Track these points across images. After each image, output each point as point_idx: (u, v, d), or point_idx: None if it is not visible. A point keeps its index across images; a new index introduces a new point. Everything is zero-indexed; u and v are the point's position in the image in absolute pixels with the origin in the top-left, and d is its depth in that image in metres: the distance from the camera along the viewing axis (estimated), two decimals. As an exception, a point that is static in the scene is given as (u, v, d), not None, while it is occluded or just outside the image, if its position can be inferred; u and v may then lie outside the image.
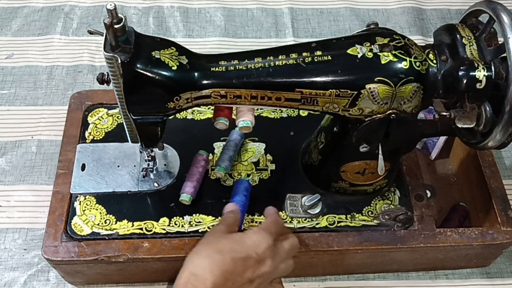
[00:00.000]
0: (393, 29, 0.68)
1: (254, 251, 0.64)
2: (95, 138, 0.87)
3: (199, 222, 0.79)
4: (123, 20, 0.59)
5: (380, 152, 0.71)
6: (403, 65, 0.63)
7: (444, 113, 0.66)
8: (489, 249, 0.82)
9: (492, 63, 0.63)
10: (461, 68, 0.63)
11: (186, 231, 0.79)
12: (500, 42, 0.64)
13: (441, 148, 0.93)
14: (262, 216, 0.80)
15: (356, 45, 0.64)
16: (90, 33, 0.65)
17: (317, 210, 0.80)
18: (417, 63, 0.63)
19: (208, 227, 0.79)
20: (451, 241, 0.79)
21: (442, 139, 0.92)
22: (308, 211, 0.80)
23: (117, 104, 0.68)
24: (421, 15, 1.23)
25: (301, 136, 0.87)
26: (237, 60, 0.66)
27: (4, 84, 1.07)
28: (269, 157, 0.86)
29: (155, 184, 0.82)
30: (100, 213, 0.80)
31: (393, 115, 0.66)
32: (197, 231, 0.79)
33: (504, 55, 0.62)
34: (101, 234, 0.78)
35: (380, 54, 0.63)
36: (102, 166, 0.84)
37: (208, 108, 0.91)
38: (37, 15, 1.18)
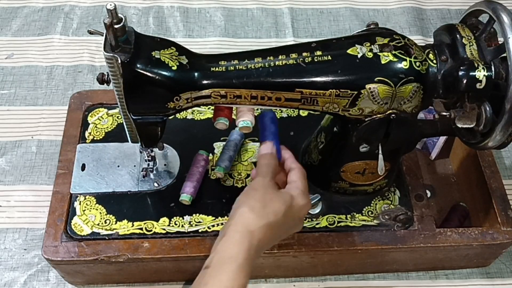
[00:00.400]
0: (393, 29, 0.68)
1: (300, 215, 0.68)
2: (95, 138, 0.87)
3: (199, 222, 0.79)
4: (123, 20, 0.59)
5: (380, 152, 0.71)
6: (403, 65, 0.63)
7: (444, 113, 0.66)
8: (489, 249, 0.82)
9: (492, 63, 0.63)
10: (461, 68, 0.63)
11: (186, 231, 0.79)
12: (500, 42, 0.64)
13: (441, 148, 0.93)
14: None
15: (356, 45, 0.64)
16: (90, 33, 0.65)
17: (317, 210, 0.80)
18: (417, 63, 0.63)
19: (208, 227, 0.79)
20: (451, 241, 0.79)
21: (442, 139, 0.92)
22: (308, 211, 0.80)
23: (117, 104, 0.68)
24: (421, 15, 1.23)
25: (301, 136, 0.87)
26: (237, 60, 0.66)
27: (4, 84, 1.07)
28: (269, 157, 0.86)
29: (155, 184, 0.82)
30: (100, 213, 0.80)
31: (393, 115, 0.66)
32: (197, 231, 0.79)
33: (504, 55, 0.62)
34: (101, 234, 0.78)
35: (380, 54, 0.63)
36: (102, 166, 0.84)
37: (208, 108, 0.91)
38: (37, 15, 1.18)
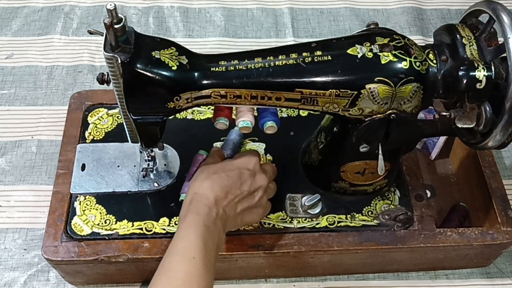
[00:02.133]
0: (393, 29, 0.68)
1: (245, 167, 0.72)
2: (95, 138, 0.87)
3: (199, 222, 0.79)
4: (123, 20, 0.59)
5: (380, 152, 0.71)
6: (403, 65, 0.63)
7: (444, 113, 0.66)
8: (489, 249, 0.82)
9: (492, 63, 0.63)
10: (461, 68, 0.63)
11: (186, 231, 0.79)
12: (500, 42, 0.64)
13: (441, 148, 0.93)
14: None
15: (356, 45, 0.64)
16: (90, 33, 0.65)
17: (317, 210, 0.80)
18: (417, 63, 0.63)
19: (208, 227, 0.79)
20: (451, 241, 0.79)
21: (442, 139, 0.92)
22: (308, 211, 0.80)
23: (117, 104, 0.68)
24: (421, 15, 1.23)
25: (301, 136, 0.87)
26: (237, 60, 0.66)
27: (4, 84, 1.07)
28: (269, 157, 0.86)
29: (155, 184, 0.82)
30: (100, 213, 0.80)
31: (393, 115, 0.66)
32: (197, 231, 0.79)
33: (504, 55, 0.62)
34: (101, 234, 0.78)
35: (380, 54, 0.63)
36: (102, 166, 0.84)
37: (208, 108, 0.91)
38: (37, 15, 1.18)
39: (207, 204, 0.67)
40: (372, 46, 0.64)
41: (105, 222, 0.79)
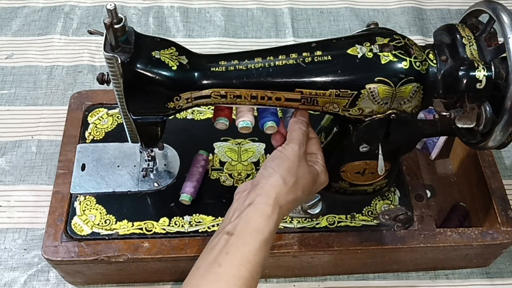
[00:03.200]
0: (393, 29, 0.68)
1: (316, 191, 0.70)
2: (95, 138, 0.87)
3: (199, 222, 0.79)
4: (123, 20, 0.59)
5: (380, 152, 0.71)
6: (403, 65, 0.63)
7: (444, 113, 0.66)
8: (489, 249, 0.82)
9: (492, 63, 0.63)
10: (461, 68, 0.63)
11: (186, 231, 0.79)
12: (500, 42, 0.64)
13: (441, 148, 0.93)
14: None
15: (356, 45, 0.64)
16: (90, 33, 0.65)
17: (317, 210, 0.80)
18: (417, 63, 0.63)
19: (208, 227, 0.79)
20: (451, 241, 0.79)
21: (442, 139, 0.92)
22: (308, 211, 0.80)
23: (117, 104, 0.68)
24: (421, 15, 1.23)
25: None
26: (237, 60, 0.66)
27: (4, 84, 1.07)
28: (269, 157, 0.86)
29: (155, 184, 0.82)
30: (100, 213, 0.80)
31: (393, 115, 0.66)
32: (197, 231, 0.79)
33: (504, 55, 0.62)
34: (101, 234, 0.78)
35: (380, 54, 0.63)
36: (102, 166, 0.84)
37: (208, 108, 0.91)
38: (37, 15, 1.18)
39: (279, 220, 0.63)
40: (372, 46, 0.64)
41: (105, 222, 0.79)
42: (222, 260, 0.58)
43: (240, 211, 0.62)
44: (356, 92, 0.64)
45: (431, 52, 0.66)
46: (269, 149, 0.87)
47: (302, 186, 0.64)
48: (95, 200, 0.81)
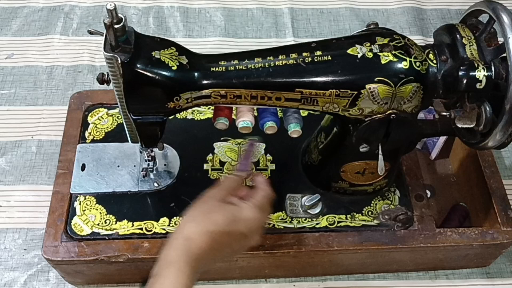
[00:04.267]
0: (393, 29, 0.68)
1: (247, 229, 0.66)
2: (95, 138, 0.87)
3: (199, 222, 0.79)
4: (123, 20, 0.59)
5: (380, 152, 0.71)
6: (403, 65, 0.63)
7: (444, 113, 0.66)
8: (489, 249, 0.82)
9: (492, 63, 0.63)
10: (461, 68, 0.63)
11: (186, 231, 0.78)
12: (500, 42, 0.64)
13: (441, 148, 0.93)
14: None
15: (356, 45, 0.64)
16: (90, 33, 0.65)
17: (317, 210, 0.80)
18: (417, 63, 0.63)
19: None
20: (451, 241, 0.79)
21: (442, 139, 0.92)
22: (308, 211, 0.80)
23: (117, 104, 0.68)
24: (421, 15, 1.23)
25: (301, 136, 0.87)
26: (237, 60, 0.66)
27: (4, 84, 1.07)
28: (269, 157, 0.86)
29: (155, 184, 0.82)
30: (100, 213, 0.80)
31: (393, 115, 0.66)
32: (197, 231, 0.79)
33: (504, 55, 0.62)
34: (101, 234, 0.78)
35: (380, 54, 0.63)
36: (102, 166, 0.84)
37: (208, 108, 0.91)
38: (37, 15, 1.18)
39: (193, 251, 0.62)
40: (372, 46, 0.64)
41: (105, 222, 0.79)
42: None
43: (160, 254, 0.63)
44: (356, 92, 0.64)
45: (431, 52, 0.66)
46: (269, 149, 0.87)
47: (213, 219, 0.63)
48: (95, 200, 0.81)
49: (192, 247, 0.61)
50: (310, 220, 0.80)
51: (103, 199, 0.81)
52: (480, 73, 0.62)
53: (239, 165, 0.74)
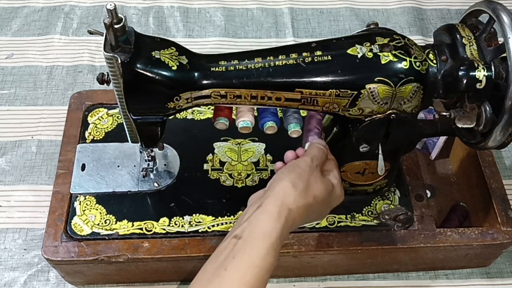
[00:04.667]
0: (393, 29, 0.68)
1: (332, 204, 0.69)
2: (95, 138, 0.87)
3: (199, 222, 0.79)
4: (123, 20, 0.59)
5: (380, 152, 0.71)
6: (403, 65, 0.63)
7: (444, 113, 0.66)
8: (489, 249, 0.82)
9: (492, 63, 0.63)
10: (461, 68, 0.63)
11: (186, 231, 0.79)
12: (500, 42, 0.64)
13: (441, 148, 0.93)
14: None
15: (356, 45, 0.64)
16: (90, 33, 0.65)
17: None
18: (417, 63, 0.63)
19: (208, 227, 0.79)
20: (451, 241, 0.79)
21: (442, 139, 0.92)
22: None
23: (117, 104, 0.68)
24: (421, 15, 1.23)
25: (301, 136, 0.87)
26: (237, 60, 0.66)
27: (4, 84, 1.07)
28: (269, 157, 0.87)
29: (155, 184, 0.82)
30: (100, 213, 0.80)
31: (393, 115, 0.66)
32: (197, 231, 0.79)
33: (504, 55, 0.62)
34: (101, 234, 0.78)
35: (380, 54, 0.63)
36: (102, 166, 0.84)
37: (208, 108, 0.91)
38: (37, 15, 1.18)
39: (288, 224, 0.62)
40: (372, 46, 0.64)
41: (105, 222, 0.79)
42: (228, 264, 0.57)
43: (249, 214, 0.61)
44: (356, 92, 0.64)
45: (431, 52, 0.66)
46: (269, 149, 0.87)
47: (314, 193, 0.63)
48: (95, 200, 0.81)
49: (289, 219, 0.61)
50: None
51: (103, 199, 0.81)
52: (480, 73, 0.62)
53: (310, 137, 0.73)
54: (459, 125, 0.66)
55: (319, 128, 0.75)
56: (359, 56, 0.64)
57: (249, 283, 0.56)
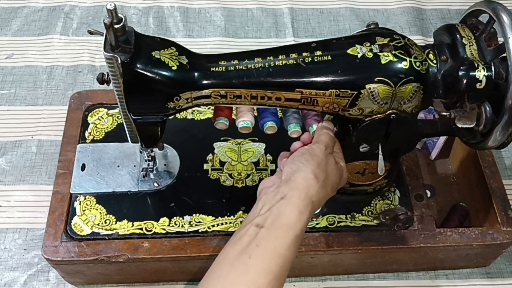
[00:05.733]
0: (393, 29, 0.68)
1: (340, 186, 0.70)
2: (95, 138, 0.87)
3: (199, 222, 0.79)
4: (123, 20, 0.59)
5: (380, 152, 0.71)
6: (403, 65, 0.63)
7: (444, 113, 0.66)
8: (489, 249, 0.82)
9: (492, 63, 0.63)
10: (461, 68, 0.63)
11: (186, 231, 0.79)
12: (500, 42, 0.64)
13: (441, 148, 0.93)
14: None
15: (356, 45, 0.64)
16: (90, 33, 0.65)
17: (317, 210, 0.80)
18: (417, 63, 0.63)
19: (208, 227, 0.79)
20: (451, 241, 0.79)
21: (442, 139, 0.92)
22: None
23: (117, 104, 0.68)
24: (421, 15, 1.23)
25: (301, 136, 0.87)
26: (237, 60, 0.66)
27: (4, 84, 1.07)
28: (269, 157, 0.87)
29: (155, 184, 0.82)
30: (100, 213, 0.80)
31: (393, 115, 0.66)
32: (197, 231, 0.79)
33: (504, 55, 0.62)
34: (101, 234, 0.78)
35: (380, 54, 0.63)
36: (102, 166, 0.84)
37: (208, 108, 0.91)
38: (37, 15, 1.18)
39: (310, 216, 0.63)
40: (372, 46, 0.64)
41: (105, 222, 0.79)
42: (252, 252, 0.57)
43: (271, 204, 0.61)
44: (356, 92, 0.64)
45: (431, 52, 0.66)
46: (269, 149, 0.87)
47: (332, 182, 0.65)
48: (95, 200, 0.81)
49: (312, 212, 0.62)
50: (310, 220, 0.80)
51: (103, 199, 0.81)
52: (480, 73, 0.62)
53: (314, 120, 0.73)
54: (459, 125, 0.66)
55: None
56: (359, 56, 0.64)
57: (274, 272, 0.57)
